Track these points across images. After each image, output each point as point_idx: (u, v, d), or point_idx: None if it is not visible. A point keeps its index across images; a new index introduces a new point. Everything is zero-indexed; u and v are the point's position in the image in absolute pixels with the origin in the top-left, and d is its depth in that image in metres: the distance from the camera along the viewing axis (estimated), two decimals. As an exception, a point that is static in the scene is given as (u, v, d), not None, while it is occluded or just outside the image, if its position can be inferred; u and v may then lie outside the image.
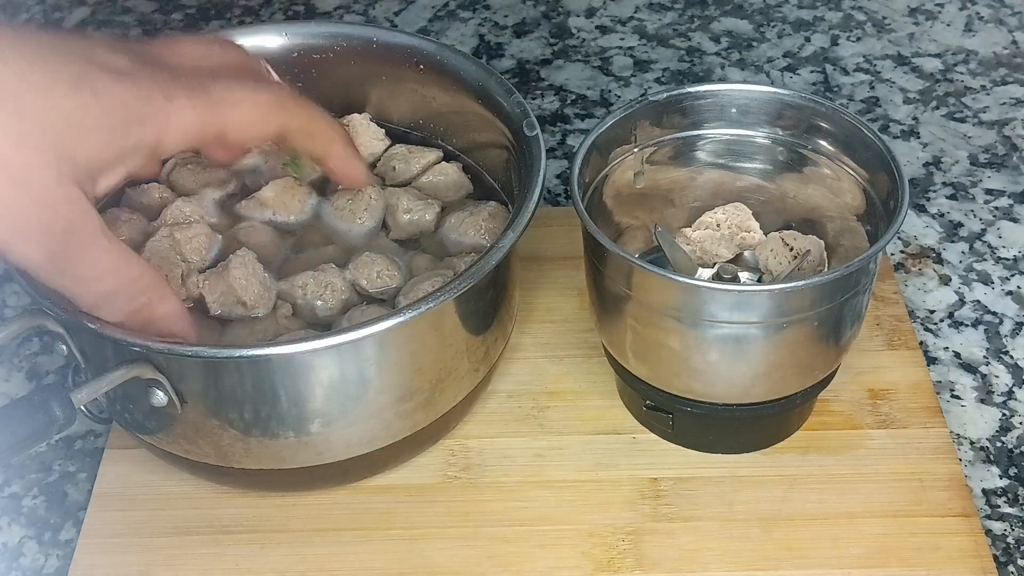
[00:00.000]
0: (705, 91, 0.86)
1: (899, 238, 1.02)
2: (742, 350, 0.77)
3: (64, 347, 0.77)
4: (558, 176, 1.10)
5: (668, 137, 0.87)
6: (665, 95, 0.85)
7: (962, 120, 1.15)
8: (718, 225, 0.87)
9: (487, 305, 0.81)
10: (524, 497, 0.83)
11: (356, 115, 0.93)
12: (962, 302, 0.97)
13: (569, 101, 1.19)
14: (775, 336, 0.77)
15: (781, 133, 0.86)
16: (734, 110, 0.86)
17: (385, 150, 0.93)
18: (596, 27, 1.29)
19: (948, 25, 1.27)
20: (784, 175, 0.87)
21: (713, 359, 0.78)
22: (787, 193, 0.88)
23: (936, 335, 0.94)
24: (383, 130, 0.94)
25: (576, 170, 0.81)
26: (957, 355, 0.93)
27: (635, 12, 1.30)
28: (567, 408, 0.88)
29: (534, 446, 0.86)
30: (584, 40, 1.27)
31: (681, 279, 0.75)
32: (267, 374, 0.74)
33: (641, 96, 0.87)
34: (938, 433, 0.85)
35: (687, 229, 0.88)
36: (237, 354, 0.72)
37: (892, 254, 1.00)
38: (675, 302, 0.76)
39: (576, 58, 1.24)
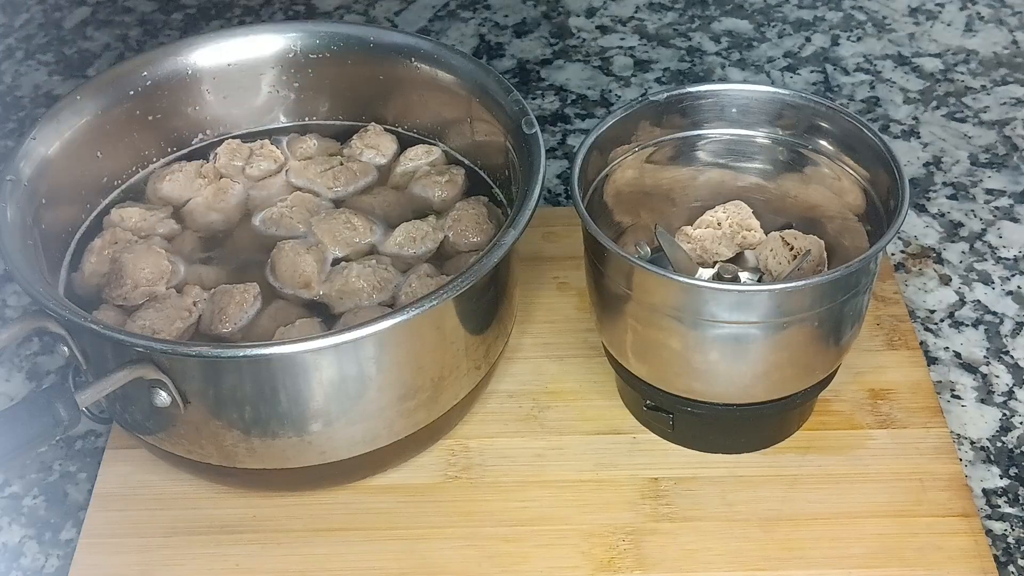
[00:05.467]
0: (705, 91, 0.86)
1: (899, 238, 1.02)
2: (742, 350, 0.77)
3: (65, 348, 0.77)
4: (558, 176, 1.10)
5: (668, 137, 0.87)
6: (665, 95, 0.85)
7: (962, 120, 1.15)
8: (719, 224, 0.87)
9: (488, 304, 0.81)
10: (524, 497, 0.83)
11: (373, 123, 0.94)
12: (962, 302, 0.97)
13: (569, 101, 1.19)
14: (775, 336, 0.77)
15: (781, 133, 0.86)
16: (734, 110, 0.86)
17: (396, 154, 0.94)
18: (596, 27, 1.29)
19: (948, 25, 1.27)
20: (784, 175, 0.87)
21: (713, 359, 0.78)
22: (787, 193, 0.88)
23: (936, 335, 0.94)
24: (394, 135, 0.95)
25: (576, 170, 0.81)
26: (957, 355, 0.93)
27: (635, 12, 1.30)
28: (567, 408, 0.88)
29: (534, 446, 0.86)
30: (584, 40, 1.27)
31: (681, 279, 0.75)
32: (270, 373, 0.74)
33: (641, 96, 0.87)
34: (938, 433, 0.85)
35: (688, 227, 0.88)
36: (240, 354, 0.72)
37: (892, 254, 1.00)
38: (675, 302, 0.76)
39: (576, 58, 1.24)
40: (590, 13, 1.31)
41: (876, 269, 0.79)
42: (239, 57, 0.93)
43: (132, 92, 0.89)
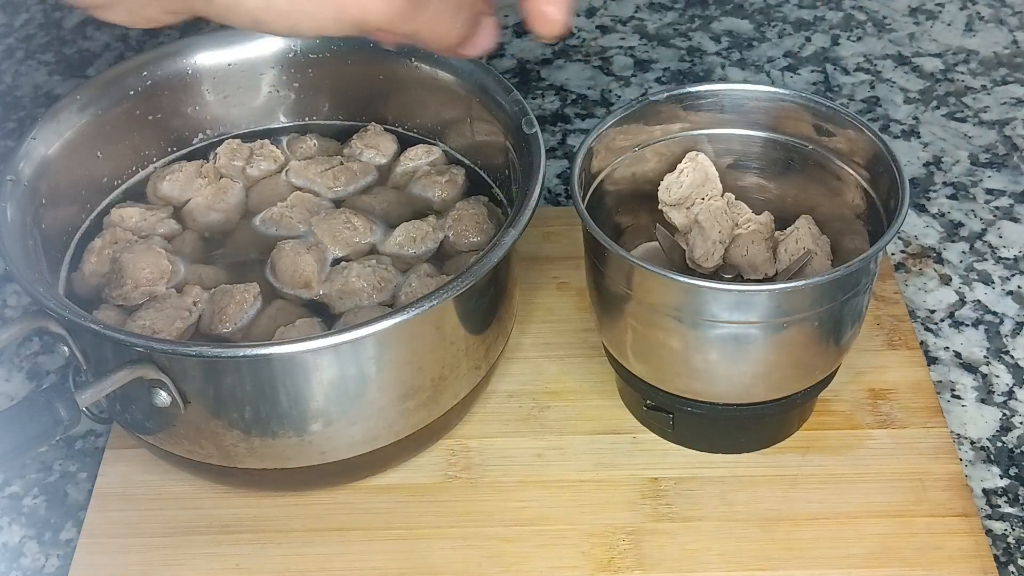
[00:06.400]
0: (705, 91, 0.86)
1: (899, 238, 1.01)
2: (743, 350, 0.77)
3: (65, 348, 0.77)
4: (558, 176, 1.10)
5: (668, 137, 0.87)
6: (665, 95, 0.85)
7: (963, 120, 1.15)
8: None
9: (488, 303, 0.81)
10: (524, 497, 0.83)
11: (374, 123, 0.94)
12: (963, 302, 0.97)
13: (569, 101, 1.19)
14: (776, 336, 0.77)
15: (781, 133, 0.86)
16: (734, 110, 0.86)
17: (396, 154, 0.94)
18: (596, 27, 1.29)
19: (948, 25, 1.27)
20: (784, 175, 0.87)
21: (714, 359, 0.78)
22: (787, 193, 0.87)
23: (936, 335, 0.94)
24: (394, 135, 0.94)
25: (576, 169, 0.81)
26: (957, 355, 0.93)
27: (635, 12, 1.30)
28: (567, 408, 0.88)
29: (534, 446, 0.86)
30: (584, 40, 1.27)
31: (681, 279, 0.75)
32: (270, 373, 0.74)
33: (641, 96, 0.86)
34: (938, 433, 0.85)
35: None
36: (240, 354, 0.72)
37: (892, 254, 1.00)
38: (675, 302, 0.76)
39: (576, 58, 1.24)
40: (590, 13, 1.31)
41: (876, 269, 0.79)
42: (239, 57, 0.93)
43: (132, 92, 0.89)
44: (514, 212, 0.78)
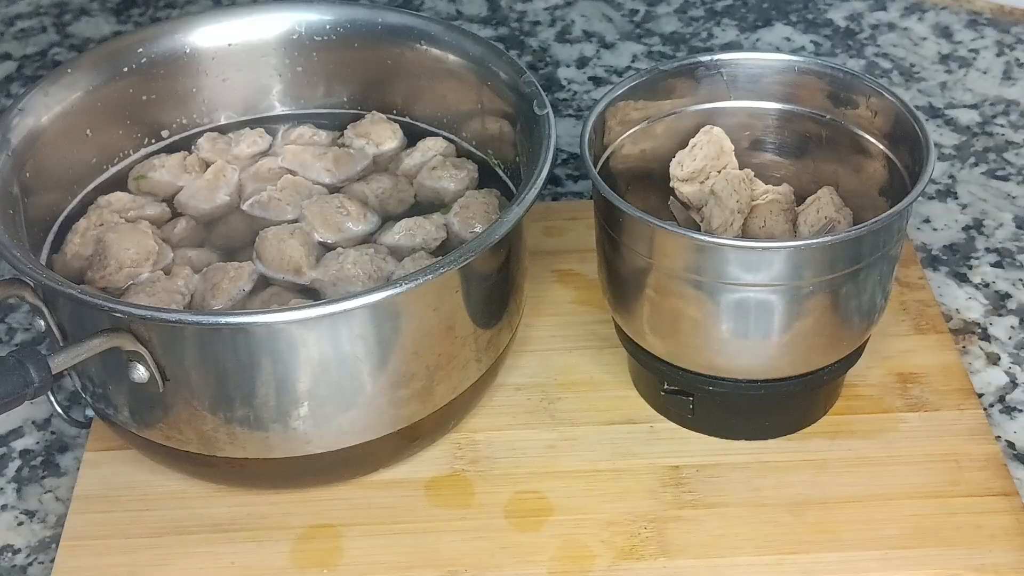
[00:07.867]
0: (718, 60, 0.83)
1: (941, 312, 0.91)
2: (765, 318, 0.74)
3: (42, 322, 0.74)
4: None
5: (678, 111, 0.84)
6: (675, 65, 0.83)
7: (1004, 178, 1.06)
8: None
9: (491, 288, 0.77)
10: (537, 488, 0.79)
11: (375, 111, 0.91)
12: (1014, 384, 0.88)
13: (560, 161, 1.10)
14: (799, 303, 0.73)
15: (797, 104, 0.83)
16: (748, 81, 0.83)
17: (402, 147, 0.90)
18: (589, 78, 1.22)
19: (984, 72, 1.19)
20: (802, 151, 0.85)
21: (735, 328, 0.74)
22: (805, 170, 0.85)
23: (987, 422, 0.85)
24: (397, 125, 0.91)
25: (586, 135, 0.79)
26: (1011, 445, 0.84)
27: (632, 61, 1.25)
28: (579, 399, 0.85)
29: (545, 437, 0.82)
30: (576, 93, 1.20)
31: (701, 237, 0.72)
32: (253, 345, 0.70)
33: (651, 68, 0.84)
34: (972, 415, 0.82)
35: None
36: (223, 321, 0.69)
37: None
38: (695, 263, 0.72)
39: (567, 113, 1.17)
40: (581, 63, 1.26)
41: (903, 230, 0.76)
42: (240, 39, 0.90)
43: (126, 69, 0.86)
44: (520, 189, 0.75)
